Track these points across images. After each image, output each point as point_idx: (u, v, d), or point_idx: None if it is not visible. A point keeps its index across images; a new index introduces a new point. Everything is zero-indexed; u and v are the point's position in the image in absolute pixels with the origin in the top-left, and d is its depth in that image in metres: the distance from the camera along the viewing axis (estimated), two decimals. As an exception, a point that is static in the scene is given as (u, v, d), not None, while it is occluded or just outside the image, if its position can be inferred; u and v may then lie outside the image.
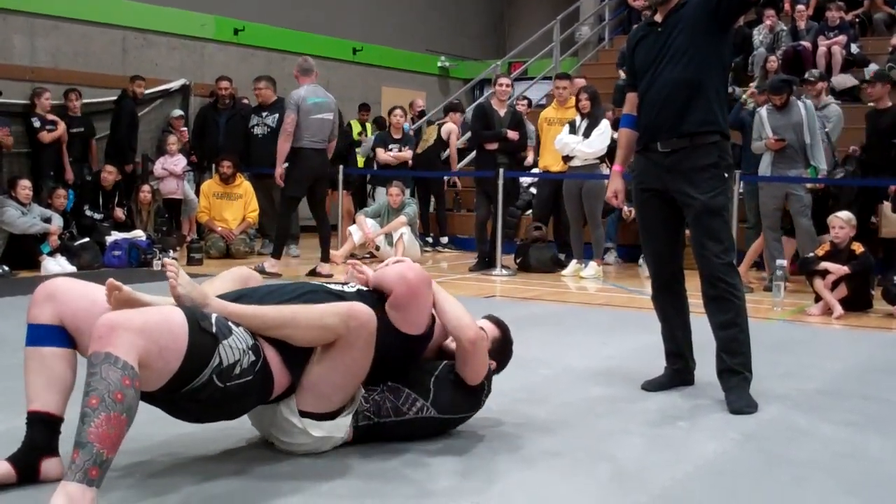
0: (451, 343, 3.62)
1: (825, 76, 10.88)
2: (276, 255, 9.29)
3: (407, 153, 11.86)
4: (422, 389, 3.47)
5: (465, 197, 13.40)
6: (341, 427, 3.31)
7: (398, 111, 12.07)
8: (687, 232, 4.49)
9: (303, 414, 3.25)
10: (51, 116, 11.10)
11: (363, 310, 3.15)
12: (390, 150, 11.76)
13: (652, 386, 4.55)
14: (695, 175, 4.29)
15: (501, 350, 3.81)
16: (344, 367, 3.19)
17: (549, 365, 5.09)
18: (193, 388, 2.89)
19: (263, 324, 3.07)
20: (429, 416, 3.46)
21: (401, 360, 3.47)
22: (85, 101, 11.69)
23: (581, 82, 10.99)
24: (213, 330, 2.92)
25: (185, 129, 12.92)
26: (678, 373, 4.63)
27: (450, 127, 12.87)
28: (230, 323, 3.01)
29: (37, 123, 11.10)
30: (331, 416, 3.28)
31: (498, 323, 3.88)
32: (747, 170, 9.26)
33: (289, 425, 3.26)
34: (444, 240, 12.66)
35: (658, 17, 4.42)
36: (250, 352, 3.01)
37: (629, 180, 4.71)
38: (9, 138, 10.27)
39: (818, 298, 7.41)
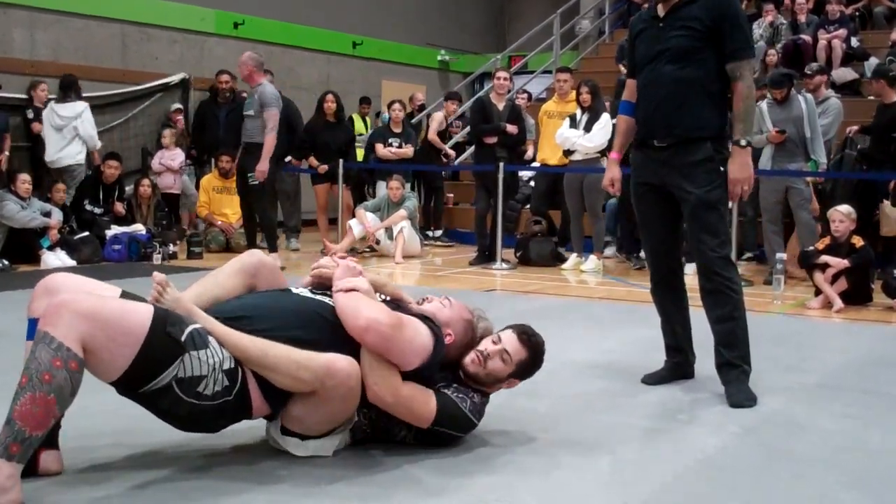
0: (480, 375, 3.48)
1: (825, 70, 10.85)
2: (273, 249, 9.27)
3: (408, 149, 11.83)
4: (402, 426, 3.37)
5: (464, 191, 13.39)
6: (327, 447, 3.26)
7: (397, 105, 12.04)
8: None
9: (284, 432, 3.24)
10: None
11: (342, 367, 3.07)
12: (390, 144, 11.75)
13: (652, 380, 4.56)
14: (690, 170, 4.31)
15: (524, 372, 3.56)
16: (325, 414, 3.17)
17: (549, 359, 5.03)
18: (151, 390, 2.88)
19: (243, 356, 3.04)
20: (411, 439, 3.40)
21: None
22: (85, 94, 11.67)
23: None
24: (182, 338, 2.91)
25: (181, 118, 12.87)
26: (678, 366, 4.64)
27: (435, 115, 12.84)
28: (212, 339, 3.00)
29: (30, 115, 11.11)
30: (316, 437, 3.25)
31: (527, 342, 3.54)
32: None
33: (273, 440, 3.29)
34: (438, 233, 12.61)
35: (660, 11, 4.40)
36: (224, 375, 2.98)
37: (627, 173, 4.71)
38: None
39: (818, 292, 7.41)
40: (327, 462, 3.25)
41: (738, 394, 4.19)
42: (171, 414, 3.00)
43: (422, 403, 3.28)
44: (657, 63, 4.38)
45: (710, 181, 4.29)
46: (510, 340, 3.50)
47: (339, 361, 3.07)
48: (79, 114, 10.67)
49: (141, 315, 2.85)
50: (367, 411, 3.34)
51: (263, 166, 9.16)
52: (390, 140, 11.77)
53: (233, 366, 3.01)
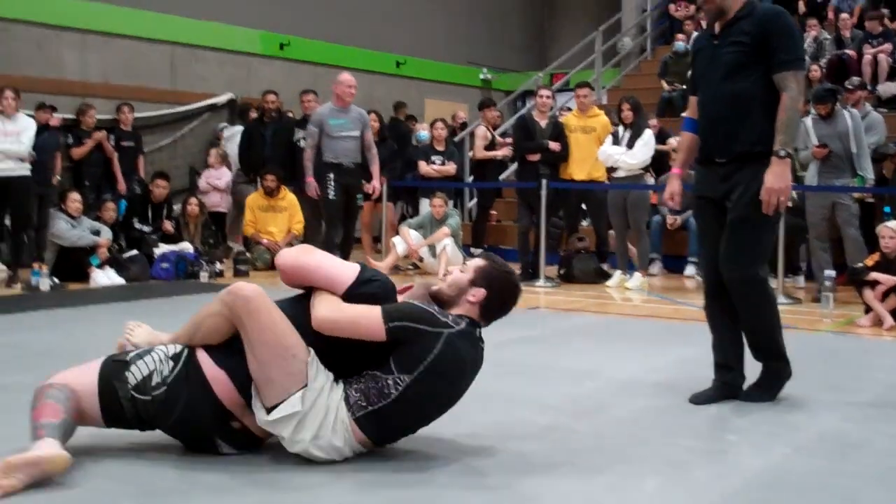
0: (443, 287, 3.56)
1: (865, 84, 10.78)
2: None
3: (450, 167, 11.87)
4: (386, 367, 3.33)
5: (506, 208, 13.39)
6: (294, 403, 3.22)
7: (440, 123, 12.10)
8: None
9: (267, 411, 3.27)
10: (94, 138, 11.27)
11: (239, 284, 3.38)
12: (433, 162, 11.79)
13: (699, 399, 4.52)
14: (738, 184, 4.36)
15: (486, 279, 3.54)
16: (258, 341, 3.25)
17: (594, 377, 5.09)
18: (129, 412, 3.33)
19: (184, 337, 3.46)
20: (405, 384, 3.28)
21: (368, 345, 3.35)
22: (135, 115, 11.90)
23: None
24: (127, 358, 3.39)
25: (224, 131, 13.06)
26: (726, 386, 4.58)
27: (478, 131, 12.84)
28: (156, 348, 3.44)
29: (70, 140, 11.30)
30: (282, 397, 3.25)
31: (485, 256, 3.68)
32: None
33: (268, 428, 3.31)
34: (477, 251, 12.58)
35: (717, 29, 4.49)
36: (169, 359, 3.38)
37: (688, 190, 4.73)
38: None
39: (868, 309, 7.33)
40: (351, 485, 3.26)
41: (754, 391, 4.51)
42: (151, 421, 3.37)
43: (366, 311, 3.32)
44: (713, 80, 4.46)
45: (755, 197, 4.31)
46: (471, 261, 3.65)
47: (239, 283, 3.40)
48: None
49: (94, 364, 3.41)
50: (355, 384, 3.34)
51: (378, 182, 9.86)
52: (433, 158, 11.81)
53: (177, 350, 3.41)
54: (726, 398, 4.55)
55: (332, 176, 9.78)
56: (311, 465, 3.32)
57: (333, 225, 9.93)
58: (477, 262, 3.60)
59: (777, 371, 4.56)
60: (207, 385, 3.32)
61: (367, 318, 3.30)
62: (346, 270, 3.42)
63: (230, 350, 3.34)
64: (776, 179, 4.25)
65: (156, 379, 3.33)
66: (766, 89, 4.32)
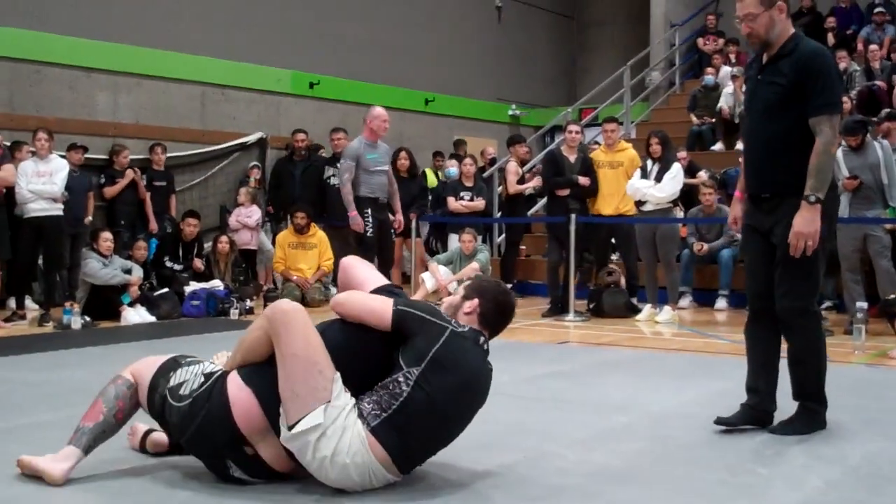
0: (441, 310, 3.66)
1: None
2: None
3: (479, 202, 11.91)
4: (395, 367, 3.42)
5: (536, 242, 13.39)
6: (317, 416, 3.27)
7: (468, 160, 12.16)
8: None
9: (289, 428, 3.32)
10: (126, 176, 11.41)
11: (281, 300, 3.62)
12: (461, 198, 11.83)
13: (725, 420, 4.53)
14: (779, 222, 4.41)
15: (480, 291, 3.73)
16: (289, 354, 3.34)
17: (624, 411, 5.06)
18: (158, 408, 3.54)
19: (231, 359, 3.63)
20: (415, 378, 3.35)
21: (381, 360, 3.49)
22: (167, 154, 12.03)
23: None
24: (182, 361, 3.65)
25: (256, 169, 13.14)
26: (751, 410, 4.56)
27: (509, 166, 12.85)
28: (203, 362, 3.67)
29: (102, 180, 11.43)
30: (306, 411, 3.30)
31: (481, 292, 3.74)
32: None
33: (288, 443, 3.34)
34: (509, 286, 12.53)
35: (764, 59, 4.53)
36: (202, 376, 3.54)
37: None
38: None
39: (900, 342, 7.26)
40: None
41: (786, 429, 4.45)
42: (172, 429, 3.58)
43: (378, 297, 3.57)
44: (753, 115, 4.57)
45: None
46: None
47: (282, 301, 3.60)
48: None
49: (160, 359, 3.70)
50: (370, 396, 3.40)
51: (402, 217, 9.97)
52: (462, 193, 11.85)
53: (213, 370, 3.58)
54: (750, 423, 4.53)
55: (369, 211, 9.68)
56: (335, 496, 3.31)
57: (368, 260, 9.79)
58: (466, 282, 3.88)
59: (814, 413, 4.53)
60: (227, 408, 3.39)
61: (378, 301, 3.53)
62: (384, 303, 3.54)
63: (261, 370, 3.45)
64: (805, 224, 4.27)
65: (185, 390, 3.49)
66: (798, 130, 4.35)
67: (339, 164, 9.60)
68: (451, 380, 3.40)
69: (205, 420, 3.41)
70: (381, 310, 3.48)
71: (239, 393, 3.42)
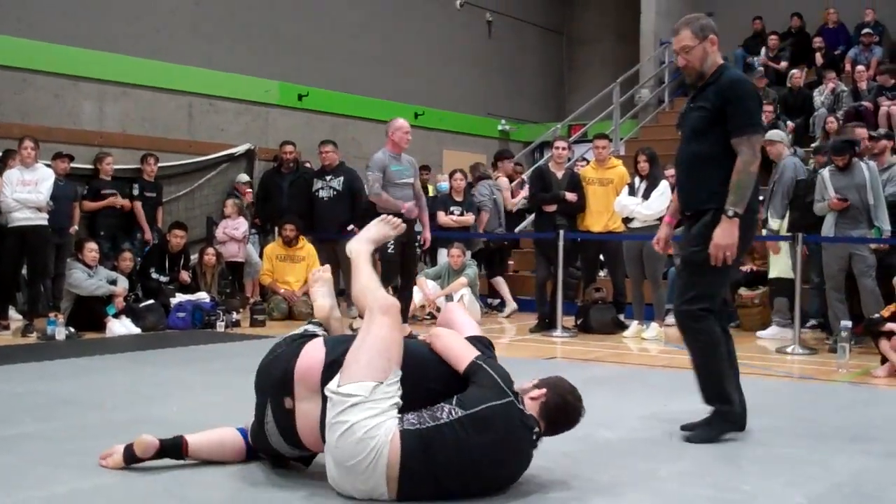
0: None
1: (892, 135, 10.79)
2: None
3: (469, 217, 11.92)
4: (448, 399, 3.52)
5: (523, 258, 13.39)
6: (365, 388, 3.41)
7: (458, 174, 12.18)
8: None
9: (339, 385, 3.47)
10: (108, 201, 11.40)
11: (390, 298, 3.80)
12: (451, 213, 11.83)
13: (688, 427, 4.82)
14: (692, 235, 4.78)
15: (549, 384, 3.78)
16: (375, 333, 3.55)
17: (610, 427, 5.05)
18: None
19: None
20: (457, 417, 3.44)
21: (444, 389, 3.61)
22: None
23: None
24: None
25: (250, 191, 13.12)
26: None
27: (501, 182, 12.89)
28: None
29: (86, 191, 11.40)
30: (358, 379, 3.45)
31: (552, 385, 3.77)
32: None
33: (328, 397, 3.46)
34: (496, 301, 12.53)
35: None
36: (304, 330, 3.97)
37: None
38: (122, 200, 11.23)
39: (884, 360, 7.28)
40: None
41: (700, 435, 4.68)
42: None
43: (467, 347, 3.72)
44: (683, 140, 4.92)
45: (698, 243, 4.70)
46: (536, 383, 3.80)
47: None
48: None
49: None
50: (412, 412, 3.48)
51: (429, 233, 9.75)
52: (452, 208, 11.86)
53: (317, 332, 3.98)
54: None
55: None
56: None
57: (389, 280, 9.30)
58: (544, 377, 3.85)
59: (724, 413, 4.75)
60: (296, 355, 3.66)
61: (466, 347, 3.71)
62: (469, 351, 3.71)
63: (344, 342, 3.67)
64: (723, 236, 4.57)
65: (291, 334, 3.92)
66: (720, 152, 4.66)
67: (367, 175, 9.31)
68: (489, 439, 3.46)
69: (279, 355, 3.73)
70: (464, 355, 3.66)
71: (312, 349, 3.68)
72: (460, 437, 3.40)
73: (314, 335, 3.88)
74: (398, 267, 9.58)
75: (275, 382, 3.65)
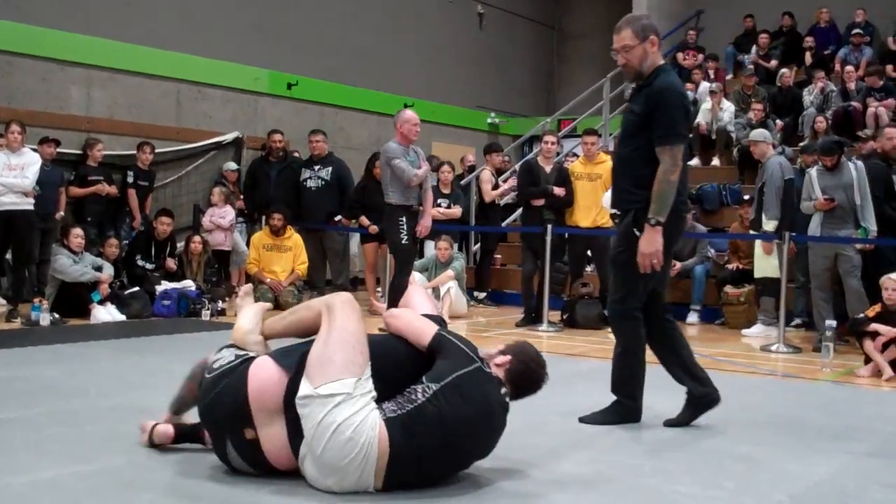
0: None
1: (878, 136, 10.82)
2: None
3: (456, 210, 11.90)
4: (418, 380, 3.54)
5: (510, 252, 13.40)
6: (348, 385, 3.38)
7: (446, 167, 12.15)
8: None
9: (315, 387, 3.40)
10: (95, 188, 11.33)
11: (343, 293, 3.78)
12: (438, 205, 11.81)
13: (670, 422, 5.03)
14: (622, 230, 4.96)
15: (515, 350, 3.86)
16: (340, 327, 3.51)
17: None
18: (201, 380, 3.73)
19: (272, 326, 3.94)
20: (432, 392, 3.47)
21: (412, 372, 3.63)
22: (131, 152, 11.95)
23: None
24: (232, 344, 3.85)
25: (234, 180, 13.07)
26: (698, 399, 5.06)
27: (483, 175, 12.88)
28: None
29: (73, 177, 11.34)
30: (337, 377, 3.41)
31: (517, 352, 3.86)
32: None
33: (303, 404, 3.39)
34: (482, 295, 12.51)
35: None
36: (236, 356, 3.69)
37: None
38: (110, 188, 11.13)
39: (868, 360, 7.31)
40: None
41: (596, 417, 5.01)
42: (200, 394, 3.72)
43: (425, 322, 3.75)
44: (619, 140, 5.12)
45: (622, 244, 4.93)
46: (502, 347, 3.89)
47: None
48: None
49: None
50: (389, 401, 3.48)
51: (429, 221, 9.47)
52: (439, 201, 11.83)
53: (247, 355, 3.70)
54: (701, 412, 5.04)
55: (403, 220, 9.02)
56: None
57: (405, 271, 9.03)
58: (509, 341, 3.94)
59: (628, 407, 5.07)
60: (244, 381, 3.51)
61: (424, 321, 3.74)
62: (428, 325, 3.74)
63: (294, 350, 3.61)
64: (647, 245, 4.73)
65: (217, 364, 3.66)
66: (646, 156, 4.77)
67: (391, 162, 8.98)
68: (465, 409, 3.49)
69: (222, 390, 3.54)
70: (424, 330, 3.68)
71: (259, 370, 3.55)
72: (442, 409, 3.44)
73: (247, 357, 3.68)
74: (413, 256, 9.45)
75: (228, 418, 3.52)
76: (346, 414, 3.33)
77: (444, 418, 3.43)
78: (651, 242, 4.71)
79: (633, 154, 4.86)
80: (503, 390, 3.68)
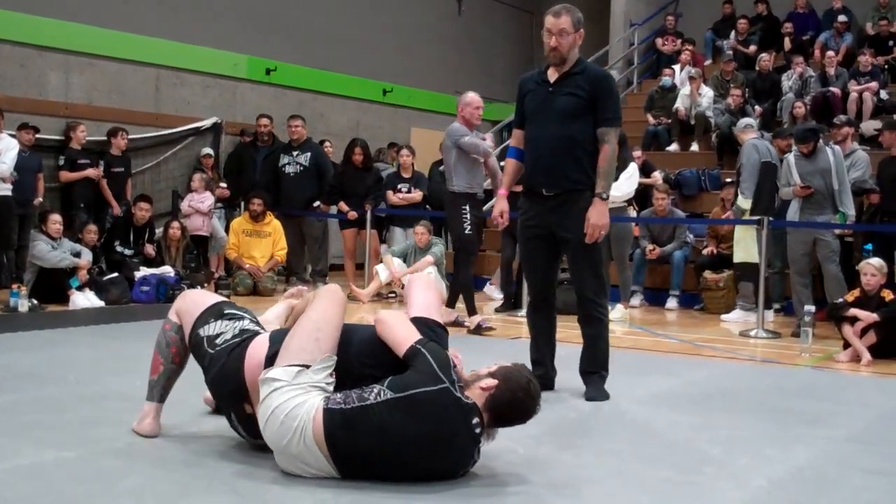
0: (462, 372, 3.69)
1: (852, 122, 10.87)
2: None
3: (416, 194, 11.74)
4: (381, 380, 3.46)
5: (490, 238, 13.39)
6: (287, 373, 3.44)
7: (405, 151, 11.97)
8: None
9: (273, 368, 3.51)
10: (87, 172, 11.23)
11: (331, 285, 3.93)
12: (399, 190, 11.70)
13: None
14: (575, 216, 5.17)
15: (504, 374, 3.55)
16: (307, 316, 3.63)
17: (574, 408, 5.08)
18: (198, 347, 3.79)
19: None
20: (385, 399, 3.36)
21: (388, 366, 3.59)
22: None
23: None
24: (224, 310, 3.87)
25: (211, 164, 12.99)
26: (539, 378, 4.68)
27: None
28: (246, 319, 3.88)
29: (61, 162, 11.24)
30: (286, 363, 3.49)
31: (506, 378, 3.55)
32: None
33: (260, 386, 3.48)
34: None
35: (550, 77, 5.27)
36: (238, 332, 3.76)
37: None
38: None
39: (847, 345, 7.36)
40: None
41: (595, 392, 5.27)
42: (203, 365, 3.79)
43: (408, 332, 3.62)
44: (545, 121, 5.24)
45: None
46: (493, 369, 3.62)
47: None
48: None
49: (210, 299, 3.97)
50: (342, 389, 3.49)
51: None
52: (399, 186, 11.73)
53: (249, 329, 3.80)
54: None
55: (467, 208, 8.38)
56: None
57: (467, 263, 8.55)
58: (503, 362, 3.68)
59: (604, 378, 5.39)
60: (242, 361, 3.64)
61: (407, 332, 3.62)
62: (410, 336, 3.63)
63: (284, 333, 3.68)
64: (599, 217, 5.13)
65: (220, 340, 3.74)
66: (590, 136, 5.16)
67: (460, 141, 8.47)
68: (412, 427, 3.34)
69: (223, 368, 3.67)
70: (404, 340, 3.58)
71: (255, 350, 3.65)
72: (384, 419, 3.33)
73: (254, 334, 3.80)
74: (477, 248, 9.13)
75: (230, 394, 3.70)
76: (282, 399, 3.39)
77: (383, 429, 3.33)
78: (603, 214, 5.13)
79: (578, 135, 5.16)
80: (475, 420, 3.43)
